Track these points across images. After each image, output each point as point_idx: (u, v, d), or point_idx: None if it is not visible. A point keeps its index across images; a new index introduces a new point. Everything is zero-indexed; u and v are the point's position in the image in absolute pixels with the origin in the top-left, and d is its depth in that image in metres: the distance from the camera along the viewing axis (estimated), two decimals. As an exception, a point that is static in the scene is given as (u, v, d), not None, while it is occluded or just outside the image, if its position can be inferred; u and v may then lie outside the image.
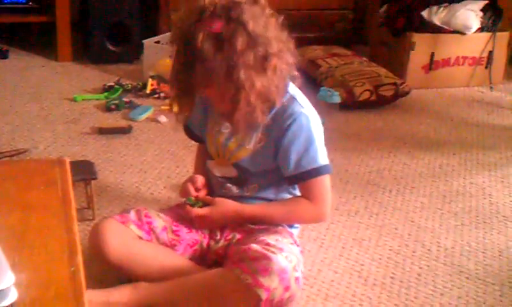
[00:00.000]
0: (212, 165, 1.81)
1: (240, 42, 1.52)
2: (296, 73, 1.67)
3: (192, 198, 1.76)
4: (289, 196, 1.79)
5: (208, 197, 1.76)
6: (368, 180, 2.61)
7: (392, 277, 1.99)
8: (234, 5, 1.53)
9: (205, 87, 1.57)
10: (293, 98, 1.67)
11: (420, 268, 2.05)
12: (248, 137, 1.70)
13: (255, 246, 1.61)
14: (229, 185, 1.79)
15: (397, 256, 2.10)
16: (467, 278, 2.01)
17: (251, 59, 1.54)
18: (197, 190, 1.78)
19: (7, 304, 0.87)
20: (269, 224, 1.75)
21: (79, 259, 1.01)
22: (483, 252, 2.16)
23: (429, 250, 2.15)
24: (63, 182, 1.21)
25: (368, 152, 2.86)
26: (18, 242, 1.03)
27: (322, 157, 1.68)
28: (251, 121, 1.61)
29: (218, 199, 1.75)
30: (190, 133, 1.93)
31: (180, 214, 1.81)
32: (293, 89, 1.69)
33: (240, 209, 1.74)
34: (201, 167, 1.90)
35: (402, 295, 1.91)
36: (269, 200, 1.78)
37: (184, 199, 1.80)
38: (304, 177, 1.69)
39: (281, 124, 1.65)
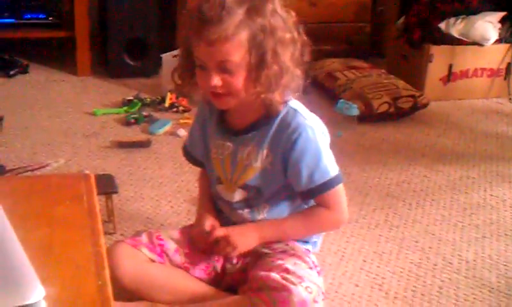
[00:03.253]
0: (221, 189, 1.75)
1: (269, 9, 1.49)
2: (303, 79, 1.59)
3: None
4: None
5: (220, 231, 1.70)
6: (387, 193, 2.61)
7: (413, 291, 1.99)
8: None
9: (222, 46, 1.47)
10: (295, 111, 1.61)
11: (442, 281, 2.04)
12: (254, 155, 1.64)
13: (274, 275, 1.56)
14: (239, 210, 1.73)
15: (418, 269, 2.09)
16: (489, 291, 2.00)
17: (277, 29, 1.50)
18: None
19: (36, 318, 0.89)
20: (289, 239, 1.72)
21: (106, 273, 1.01)
22: (505, 265, 2.15)
23: (450, 263, 2.14)
24: (89, 197, 1.22)
25: (387, 164, 2.86)
26: (46, 257, 1.04)
27: (332, 167, 1.64)
28: (266, 99, 1.54)
29: (230, 227, 1.70)
30: (187, 154, 1.87)
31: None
32: (294, 103, 1.63)
33: (259, 226, 1.70)
34: (206, 197, 1.82)
35: (424, 308, 1.90)
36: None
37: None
38: (318, 191, 1.64)
39: (286, 138, 1.60)
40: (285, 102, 1.61)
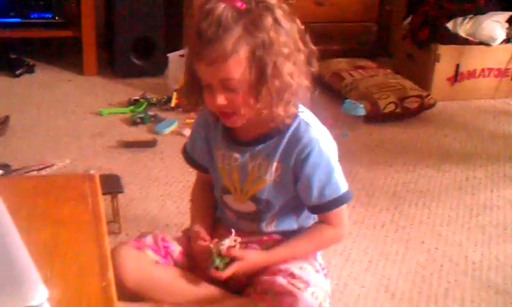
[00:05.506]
0: (230, 200, 1.72)
1: (268, 21, 1.44)
2: (309, 92, 1.56)
3: (217, 260, 1.62)
4: (311, 222, 1.72)
5: (234, 252, 1.63)
6: (394, 193, 2.60)
7: (419, 292, 1.98)
8: None
9: (222, 65, 1.43)
10: (307, 125, 1.58)
11: (448, 282, 2.03)
12: (264, 168, 1.61)
13: (279, 279, 1.56)
14: (248, 221, 1.71)
15: (424, 270, 2.09)
16: (495, 293, 2.00)
17: (278, 43, 1.45)
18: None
19: (40, 319, 0.88)
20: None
21: (110, 274, 1.01)
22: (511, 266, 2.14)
23: (456, 264, 2.13)
24: (93, 197, 1.22)
25: (394, 165, 2.85)
26: (50, 257, 1.04)
27: (343, 183, 1.62)
28: (269, 115, 1.51)
29: (243, 254, 1.64)
30: (188, 157, 1.82)
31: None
32: (306, 116, 1.60)
33: (267, 258, 1.66)
34: (205, 211, 1.79)
35: (430, 310, 1.89)
36: (292, 232, 1.70)
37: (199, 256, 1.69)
38: (329, 206, 1.63)
39: (298, 152, 1.57)
40: (293, 115, 1.57)
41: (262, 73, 1.46)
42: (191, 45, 1.49)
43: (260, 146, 1.61)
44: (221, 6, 1.42)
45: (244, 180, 1.66)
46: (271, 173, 1.61)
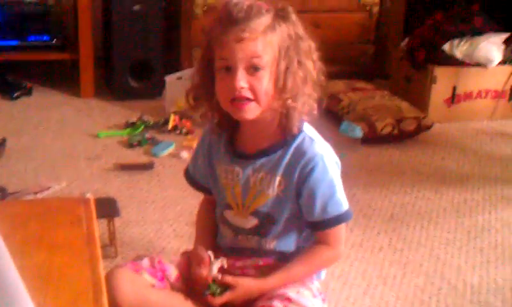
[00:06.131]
0: (230, 215, 1.69)
1: (293, 18, 1.52)
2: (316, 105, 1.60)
3: (213, 286, 1.60)
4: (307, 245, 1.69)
5: (228, 278, 1.62)
6: (391, 216, 2.59)
7: (417, 315, 1.97)
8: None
9: (252, 42, 1.46)
10: (311, 140, 1.58)
11: (447, 305, 2.02)
12: (267, 182, 1.59)
13: (276, 303, 1.54)
14: (249, 235, 1.68)
15: (422, 294, 2.07)
16: (494, 316, 1.99)
17: (302, 38, 1.52)
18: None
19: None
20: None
21: (104, 299, 1.00)
22: (511, 290, 2.12)
23: (455, 287, 2.12)
24: (88, 221, 1.21)
25: (391, 187, 2.84)
26: (44, 282, 1.03)
27: (344, 201, 1.61)
28: (289, 109, 1.52)
29: (238, 282, 1.62)
30: (190, 179, 1.81)
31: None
32: (310, 131, 1.61)
33: (263, 286, 1.63)
34: (207, 234, 1.78)
35: (429, 334, 1.88)
36: (290, 253, 1.67)
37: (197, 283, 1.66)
38: (331, 224, 1.61)
39: (302, 167, 1.56)
40: (301, 125, 1.58)
41: (288, 62, 1.49)
42: (216, 28, 1.50)
43: (263, 160, 1.60)
44: (249, 1, 1.48)
45: (246, 194, 1.64)
46: (274, 188, 1.60)
